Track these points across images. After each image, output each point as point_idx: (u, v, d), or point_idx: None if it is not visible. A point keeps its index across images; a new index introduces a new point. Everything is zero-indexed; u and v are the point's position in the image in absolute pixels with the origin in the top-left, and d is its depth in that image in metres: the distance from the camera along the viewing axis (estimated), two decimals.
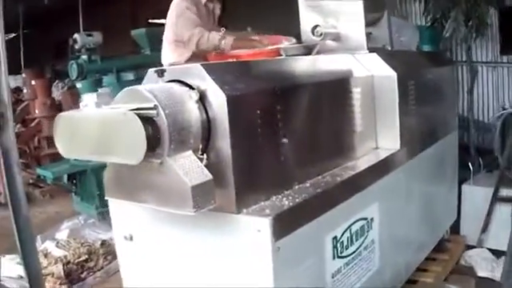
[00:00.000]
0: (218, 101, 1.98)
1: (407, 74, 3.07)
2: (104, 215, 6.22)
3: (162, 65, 3.45)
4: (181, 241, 2.26)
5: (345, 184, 2.45)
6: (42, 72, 9.05)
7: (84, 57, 6.48)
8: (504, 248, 3.83)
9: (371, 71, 2.93)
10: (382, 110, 2.94)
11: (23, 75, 8.79)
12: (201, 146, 2.01)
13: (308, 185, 2.35)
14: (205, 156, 2.02)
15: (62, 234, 5.61)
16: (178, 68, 2.11)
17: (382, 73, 2.93)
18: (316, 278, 2.32)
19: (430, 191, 3.57)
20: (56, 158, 8.09)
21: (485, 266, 4.23)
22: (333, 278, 2.40)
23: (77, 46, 6.53)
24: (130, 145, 1.86)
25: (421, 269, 3.62)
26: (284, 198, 2.16)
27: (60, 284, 4.75)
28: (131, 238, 2.49)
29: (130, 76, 6.44)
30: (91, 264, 5.11)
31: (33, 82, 8.91)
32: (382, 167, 2.80)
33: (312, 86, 2.54)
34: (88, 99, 5.35)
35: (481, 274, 4.20)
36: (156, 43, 6.61)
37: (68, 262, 5.01)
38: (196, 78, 2.04)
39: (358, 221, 2.56)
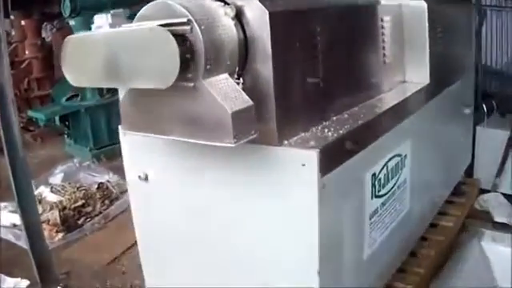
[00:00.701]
0: (259, 18, 1.73)
1: (435, 5, 2.86)
2: (99, 157, 6.06)
3: None
4: (208, 180, 2.02)
5: (384, 116, 2.24)
6: (30, 15, 8.77)
7: None
8: None
9: (400, 0, 2.72)
10: (410, 41, 2.73)
11: (11, 17, 8.47)
12: (237, 69, 1.77)
13: (346, 116, 2.14)
14: (241, 80, 1.78)
15: (57, 178, 5.44)
16: None
17: (412, 2, 2.71)
18: (355, 220, 2.13)
19: (450, 131, 3.42)
20: (46, 100, 7.91)
21: (501, 212, 4.13)
22: (370, 219, 2.22)
23: None
24: (158, 66, 1.60)
25: (439, 212, 3.47)
26: (325, 129, 1.94)
27: (56, 231, 4.61)
28: (146, 178, 2.25)
29: (125, 12, 6.14)
30: (88, 209, 4.95)
31: (22, 23, 8.62)
32: (416, 101, 2.61)
33: (346, 9, 2.30)
34: (100, 21, 4.96)
35: (497, 219, 4.10)
36: None
37: (64, 208, 4.84)
38: None
39: (394, 157, 2.36)
